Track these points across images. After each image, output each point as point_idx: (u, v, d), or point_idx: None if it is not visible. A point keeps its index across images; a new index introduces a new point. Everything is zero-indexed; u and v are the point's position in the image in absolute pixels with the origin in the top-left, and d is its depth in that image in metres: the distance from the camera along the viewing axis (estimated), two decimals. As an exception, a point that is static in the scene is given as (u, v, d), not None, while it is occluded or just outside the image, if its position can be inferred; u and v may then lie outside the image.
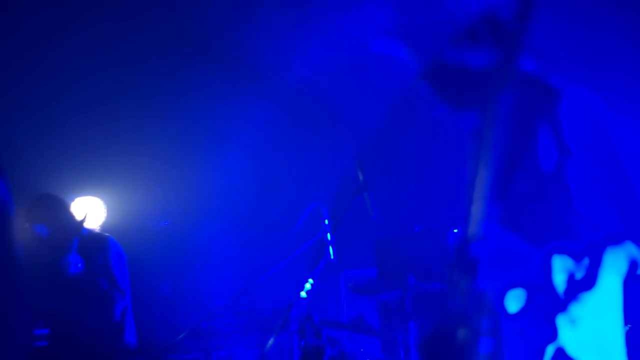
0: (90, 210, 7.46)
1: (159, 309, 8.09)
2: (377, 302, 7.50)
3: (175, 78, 7.91)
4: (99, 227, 7.70)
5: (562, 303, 2.74)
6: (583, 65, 5.59)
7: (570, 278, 2.73)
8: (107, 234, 6.46)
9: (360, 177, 5.13)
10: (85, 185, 7.98)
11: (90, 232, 6.40)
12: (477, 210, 2.68)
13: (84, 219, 6.19)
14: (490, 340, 2.68)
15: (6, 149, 6.94)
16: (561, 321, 2.75)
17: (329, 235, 5.21)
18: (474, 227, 2.68)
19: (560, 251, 2.73)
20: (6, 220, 3.93)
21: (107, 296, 6.12)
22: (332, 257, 5.04)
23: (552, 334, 2.75)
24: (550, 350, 2.75)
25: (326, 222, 5.25)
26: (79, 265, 6.04)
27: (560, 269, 2.73)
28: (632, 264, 2.74)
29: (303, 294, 4.85)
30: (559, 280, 2.72)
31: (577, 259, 2.72)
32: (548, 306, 2.75)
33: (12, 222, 3.92)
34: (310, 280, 4.89)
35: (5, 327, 3.87)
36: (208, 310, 6.34)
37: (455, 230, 6.66)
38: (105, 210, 7.89)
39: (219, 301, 6.25)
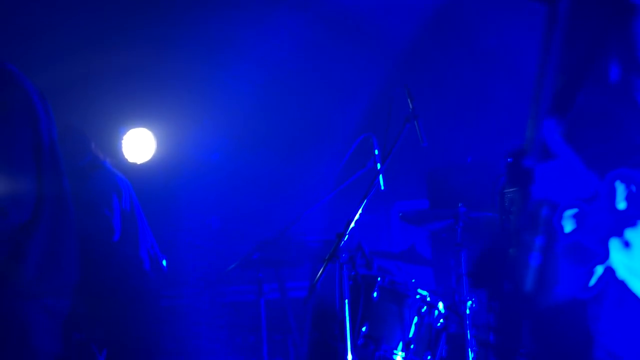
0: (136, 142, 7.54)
1: (209, 241, 8.12)
2: (429, 232, 7.46)
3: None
4: (149, 159, 7.74)
5: (617, 226, 2.69)
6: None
7: (632, 204, 2.68)
8: (111, 168, 6.60)
9: (410, 105, 5.06)
10: (136, 117, 7.99)
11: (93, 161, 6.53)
12: (538, 124, 2.63)
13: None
14: (540, 256, 2.65)
15: (62, 80, 6.98)
16: (614, 243, 2.70)
17: (378, 165, 5.15)
18: (534, 142, 2.64)
19: (624, 179, 2.68)
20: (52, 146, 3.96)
21: (106, 220, 6.24)
22: (382, 187, 4.99)
23: (604, 255, 2.71)
24: (599, 271, 2.71)
25: (376, 152, 5.20)
26: None
27: (623, 196, 2.68)
28: None
29: (353, 224, 4.80)
30: (621, 206, 2.68)
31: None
32: (602, 227, 2.71)
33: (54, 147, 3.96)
34: (360, 211, 4.84)
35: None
36: (258, 242, 6.34)
37: (509, 160, 6.58)
38: (156, 142, 7.89)
39: (269, 232, 6.23)
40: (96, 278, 6.34)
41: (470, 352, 5.33)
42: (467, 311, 5.38)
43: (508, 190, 5.54)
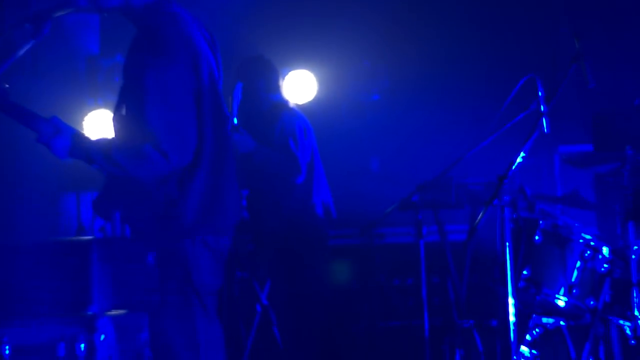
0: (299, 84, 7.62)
1: (369, 183, 8.16)
2: (593, 175, 7.30)
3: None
4: (309, 100, 7.82)
5: None
6: None
7: None
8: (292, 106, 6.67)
9: (577, 45, 4.92)
10: (298, 58, 8.06)
11: (281, 100, 6.60)
12: None
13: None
14: None
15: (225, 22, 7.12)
16: None
17: (542, 107, 5.05)
18: None
19: None
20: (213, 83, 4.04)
21: (294, 161, 6.40)
22: (545, 129, 4.89)
23: None
24: None
25: (540, 93, 5.09)
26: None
27: None
28: None
29: (515, 167, 4.74)
30: None
31: None
32: None
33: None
34: (523, 154, 4.77)
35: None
36: (418, 184, 6.33)
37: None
38: (317, 84, 7.95)
39: (429, 174, 6.21)
40: (268, 219, 6.48)
41: (635, 298, 5.20)
42: (633, 256, 5.24)
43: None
